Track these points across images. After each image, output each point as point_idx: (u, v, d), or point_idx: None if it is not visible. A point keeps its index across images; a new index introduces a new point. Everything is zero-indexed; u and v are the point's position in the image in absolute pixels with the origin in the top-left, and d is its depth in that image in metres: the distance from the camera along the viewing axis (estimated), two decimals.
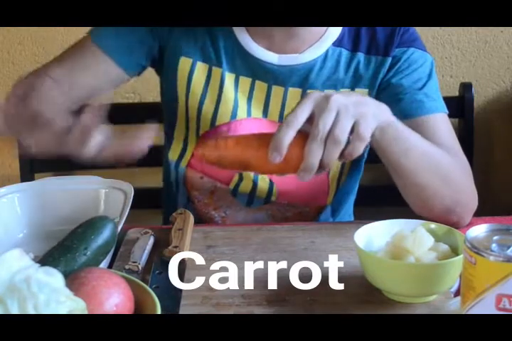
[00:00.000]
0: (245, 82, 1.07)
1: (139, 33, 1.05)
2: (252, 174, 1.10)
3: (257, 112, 1.08)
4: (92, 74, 1.04)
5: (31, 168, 1.58)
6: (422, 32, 1.59)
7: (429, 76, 1.07)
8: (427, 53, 1.09)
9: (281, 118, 1.07)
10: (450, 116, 1.08)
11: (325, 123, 0.80)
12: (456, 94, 1.57)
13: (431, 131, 1.01)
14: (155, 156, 1.20)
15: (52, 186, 1.03)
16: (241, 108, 1.08)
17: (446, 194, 0.94)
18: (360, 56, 1.06)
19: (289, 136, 0.81)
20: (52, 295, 0.60)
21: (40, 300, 0.59)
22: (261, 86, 1.07)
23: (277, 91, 1.07)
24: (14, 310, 0.59)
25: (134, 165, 1.61)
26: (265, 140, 0.84)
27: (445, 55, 1.63)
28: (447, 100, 1.10)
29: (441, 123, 1.04)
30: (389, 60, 1.05)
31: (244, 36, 1.06)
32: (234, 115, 1.08)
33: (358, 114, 0.82)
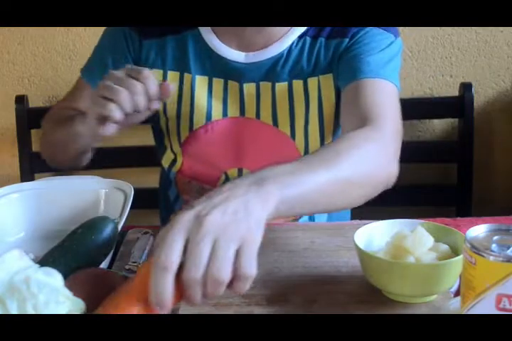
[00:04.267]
0: (218, 83, 1.07)
1: (119, 61, 1.06)
2: (238, 174, 1.10)
3: (233, 112, 1.08)
4: None
5: (31, 168, 1.59)
6: (422, 32, 1.60)
7: (383, 51, 1.01)
8: (391, 34, 1.03)
9: (258, 114, 1.08)
10: (450, 116, 1.07)
11: (197, 261, 0.60)
12: (456, 94, 1.57)
13: (362, 95, 0.95)
14: (154, 156, 1.20)
15: (52, 186, 1.03)
16: (216, 109, 1.08)
17: (367, 191, 0.84)
18: (321, 41, 1.04)
19: (167, 284, 0.60)
20: (51, 296, 0.60)
21: (39, 301, 0.60)
22: (233, 85, 1.07)
23: (249, 88, 1.07)
24: (14, 310, 0.59)
25: (133, 166, 1.63)
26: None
27: (445, 55, 1.63)
28: (447, 100, 1.09)
29: (375, 89, 0.97)
30: (346, 40, 1.02)
31: (211, 37, 1.06)
32: (209, 117, 1.08)
33: (242, 236, 0.61)
